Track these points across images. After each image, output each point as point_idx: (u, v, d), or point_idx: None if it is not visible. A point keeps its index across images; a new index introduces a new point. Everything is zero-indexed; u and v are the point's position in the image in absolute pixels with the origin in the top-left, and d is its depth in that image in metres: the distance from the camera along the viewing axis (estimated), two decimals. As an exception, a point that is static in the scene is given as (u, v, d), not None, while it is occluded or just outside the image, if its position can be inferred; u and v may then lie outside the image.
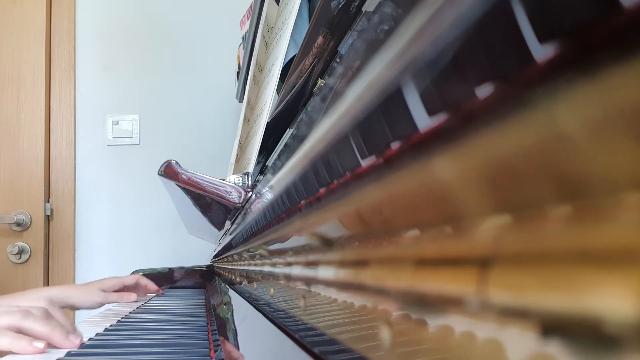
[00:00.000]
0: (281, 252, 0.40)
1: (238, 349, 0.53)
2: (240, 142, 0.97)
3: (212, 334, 0.73)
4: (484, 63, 0.12)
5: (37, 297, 0.85)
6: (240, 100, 1.27)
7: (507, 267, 0.12)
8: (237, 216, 0.74)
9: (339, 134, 0.21)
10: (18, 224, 1.77)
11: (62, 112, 1.86)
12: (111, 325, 0.84)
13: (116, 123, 1.87)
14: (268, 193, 0.40)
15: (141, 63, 1.89)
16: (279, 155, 0.41)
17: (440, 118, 0.14)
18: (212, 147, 1.84)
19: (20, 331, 0.67)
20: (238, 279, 0.83)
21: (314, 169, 0.26)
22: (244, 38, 1.40)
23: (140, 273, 1.58)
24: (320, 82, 0.61)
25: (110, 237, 1.85)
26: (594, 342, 0.09)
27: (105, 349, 0.65)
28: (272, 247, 0.45)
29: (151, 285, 1.29)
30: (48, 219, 1.81)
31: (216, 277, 1.47)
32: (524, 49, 0.10)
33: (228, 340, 0.61)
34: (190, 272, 1.62)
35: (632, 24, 0.08)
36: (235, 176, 0.82)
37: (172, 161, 0.88)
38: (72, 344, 0.68)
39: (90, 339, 0.72)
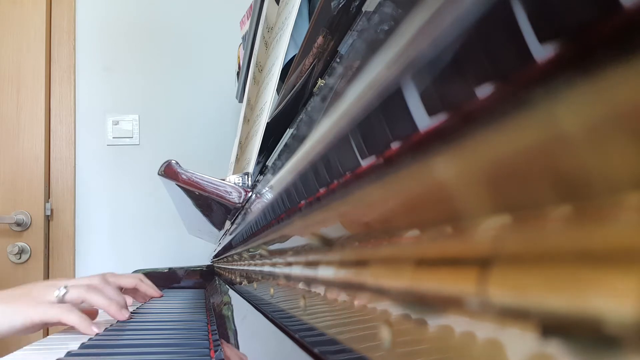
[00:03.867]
0: (281, 252, 0.40)
1: (238, 349, 0.53)
2: (240, 142, 0.97)
3: (212, 334, 0.73)
4: (484, 63, 0.12)
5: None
6: (240, 100, 1.27)
7: (507, 267, 0.12)
8: (237, 216, 0.74)
9: (339, 134, 0.21)
10: (18, 224, 1.77)
11: (62, 112, 1.86)
12: (111, 325, 0.84)
13: (116, 123, 1.87)
14: (268, 193, 0.40)
15: (141, 63, 1.89)
16: (279, 155, 0.41)
17: (440, 118, 0.14)
18: (212, 147, 1.84)
19: (85, 302, 0.81)
20: (238, 279, 0.83)
21: (314, 169, 0.26)
22: (244, 38, 1.40)
23: (141, 273, 1.58)
24: (320, 82, 0.61)
25: (110, 237, 1.85)
26: (594, 342, 0.09)
27: (105, 349, 0.65)
28: (272, 247, 0.45)
29: (152, 291, 1.16)
30: (48, 219, 1.81)
31: (216, 277, 1.47)
32: (524, 49, 0.10)
33: (228, 340, 0.61)
34: (190, 272, 1.62)
35: (632, 24, 0.08)
36: (235, 176, 0.82)
37: (172, 161, 0.88)
38: (124, 317, 0.82)
39: (90, 339, 0.72)
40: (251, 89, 0.96)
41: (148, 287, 1.15)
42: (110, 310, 0.82)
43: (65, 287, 0.80)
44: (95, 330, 0.76)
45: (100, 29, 1.89)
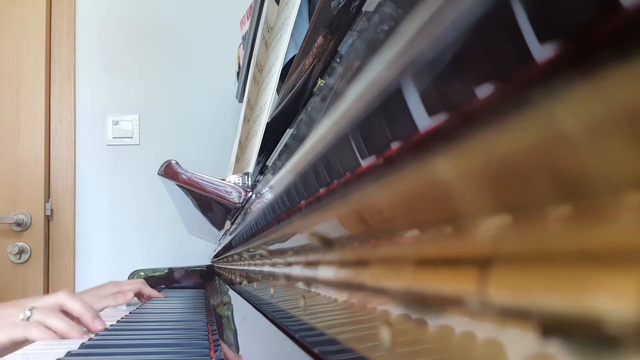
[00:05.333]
0: (281, 252, 0.40)
1: (238, 349, 0.53)
2: (240, 142, 0.97)
3: (212, 334, 0.73)
4: (484, 63, 0.12)
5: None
6: (240, 100, 1.27)
7: (507, 267, 0.12)
8: (237, 216, 0.74)
9: (339, 134, 0.21)
10: (18, 224, 1.77)
11: (62, 112, 1.86)
12: (111, 325, 0.84)
13: (116, 123, 1.87)
14: (268, 193, 0.40)
15: (141, 63, 1.89)
16: (279, 155, 0.41)
17: (440, 118, 0.14)
18: (212, 147, 1.84)
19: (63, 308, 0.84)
20: (238, 279, 0.83)
21: (314, 169, 0.26)
22: (244, 38, 1.40)
23: (142, 274, 1.58)
24: (320, 82, 0.61)
25: (110, 237, 1.85)
26: (594, 342, 0.09)
27: (105, 349, 0.65)
28: (272, 247, 0.45)
29: (154, 294, 1.25)
30: (48, 219, 1.81)
31: (216, 277, 1.47)
32: (524, 48, 0.10)
33: (228, 340, 0.61)
34: (190, 272, 1.62)
35: (632, 24, 0.08)
36: (235, 176, 0.82)
37: (172, 161, 0.88)
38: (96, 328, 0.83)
39: (90, 339, 0.72)
40: (251, 89, 0.96)
41: (152, 291, 1.25)
42: (70, 335, 0.80)
43: (30, 310, 0.80)
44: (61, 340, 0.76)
45: (100, 29, 1.89)
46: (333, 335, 0.26)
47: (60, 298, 0.85)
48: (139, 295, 1.21)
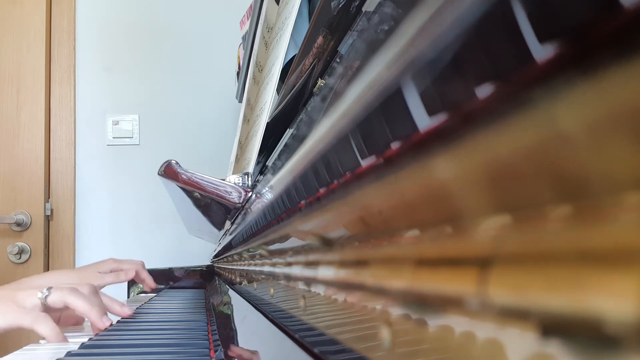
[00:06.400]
0: (281, 252, 0.40)
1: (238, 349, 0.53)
2: (240, 142, 0.97)
3: (212, 334, 0.73)
4: (484, 63, 0.12)
5: (35, 287, 0.85)
6: (240, 100, 1.27)
7: (507, 267, 0.12)
8: (237, 216, 0.74)
9: (339, 134, 0.21)
10: (18, 224, 1.77)
11: (62, 112, 1.86)
12: (111, 325, 0.84)
13: (116, 123, 1.87)
14: (268, 193, 0.40)
15: (141, 63, 1.89)
16: (279, 155, 0.41)
17: (440, 118, 0.14)
18: (212, 147, 1.84)
19: (67, 306, 0.81)
20: (238, 279, 0.83)
21: (314, 169, 0.26)
22: (244, 38, 1.40)
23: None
24: (320, 82, 0.61)
25: (110, 237, 1.85)
26: (594, 342, 0.09)
27: (105, 349, 0.65)
28: (272, 247, 0.45)
29: (149, 280, 1.24)
30: (48, 219, 1.81)
31: (216, 277, 1.47)
32: (524, 49, 0.10)
33: (228, 340, 0.60)
34: (190, 272, 1.62)
35: (632, 24, 0.08)
36: (235, 176, 0.82)
37: (172, 161, 0.88)
38: (104, 324, 0.81)
39: (90, 339, 0.72)
40: (251, 89, 0.96)
41: (147, 276, 1.24)
42: (90, 315, 0.80)
43: (49, 289, 0.79)
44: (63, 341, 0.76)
45: (100, 29, 1.89)
46: (333, 335, 0.26)
47: (66, 296, 0.84)
48: (136, 276, 1.21)
